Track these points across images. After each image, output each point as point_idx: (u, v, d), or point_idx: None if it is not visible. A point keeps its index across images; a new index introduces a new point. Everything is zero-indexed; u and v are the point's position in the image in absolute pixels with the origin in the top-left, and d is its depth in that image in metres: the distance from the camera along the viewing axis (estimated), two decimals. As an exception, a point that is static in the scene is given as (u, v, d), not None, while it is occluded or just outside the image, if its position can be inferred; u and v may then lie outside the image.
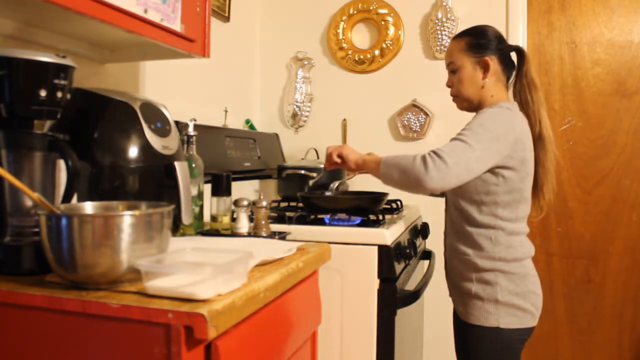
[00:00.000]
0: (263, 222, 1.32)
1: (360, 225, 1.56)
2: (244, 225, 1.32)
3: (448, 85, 1.54)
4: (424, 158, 1.30)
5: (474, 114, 1.54)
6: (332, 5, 2.47)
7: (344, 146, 1.57)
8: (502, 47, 1.47)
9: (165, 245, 0.86)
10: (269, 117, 2.57)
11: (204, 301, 0.75)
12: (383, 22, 2.39)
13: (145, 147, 1.07)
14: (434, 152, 1.30)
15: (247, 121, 2.40)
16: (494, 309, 1.37)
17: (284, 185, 2.11)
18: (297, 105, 2.50)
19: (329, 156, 1.59)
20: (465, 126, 1.38)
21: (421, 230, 2.03)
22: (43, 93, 0.88)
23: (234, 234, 1.32)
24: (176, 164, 1.11)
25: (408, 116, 2.36)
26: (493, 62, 1.45)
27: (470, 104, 1.51)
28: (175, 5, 1.20)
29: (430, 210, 1.95)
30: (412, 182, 1.31)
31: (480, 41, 1.46)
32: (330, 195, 1.94)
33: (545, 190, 1.47)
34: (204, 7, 1.32)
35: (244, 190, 2.19)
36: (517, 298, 1.38)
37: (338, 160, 1.56)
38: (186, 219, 1.13)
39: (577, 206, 2.31)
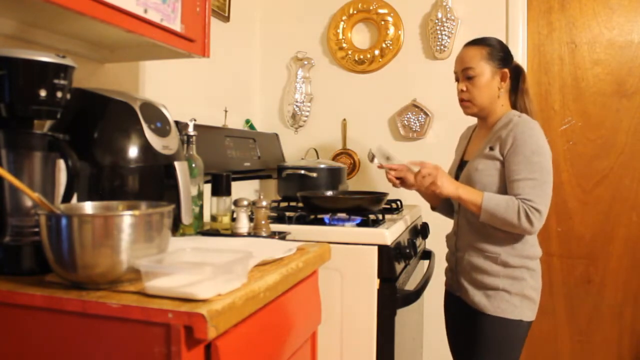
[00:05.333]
0: (263, 222, 1.32)
1: (360, 225, 1.56)
2: (244, 225, 1.32)
3: (461, 90, 1.56)
4: (527, 216, 1.38)
5: (474, 116, 1.60)
6: (332, 5, 2.47)
7: (439, 174, 1.46)
8: (511, 62, 1.56)
9: (165, 245, 0.86)
10: (269, 117, 2.57)
11: (203, 301, 0.75)
12: (383, 22, 2.39)
13: (145, 147, 1.07)
14: (532, 207, 1.38)
15: (247, 121, 2.40)
16: (519, 303, 1.46)
17: (284, 185, 2.10)
18: (297, 105, 2.50)
19: (420, 180, 1.48)
20: (515, 156, 1.42)
21: (421, 230, 2.03)
22: (43, 93, 0.88)
23: (234, 234, 1.32)
24: (176, 164, 1.11)
25: (408, 116, 2.36)
26: (507, 75, 1.54)
27: (481, 111, 1.56)
28: (175, 5, 1.20)
29: (430, 210, 1.95)
30: (518, 232, 1.45)
31: (501, 53, 1.54)
32: (330, 195, 1.94)
33: None
34: (204, 7, 1.32)
35: (244, 190, 2.19)
36: (535, 293, 1.50)
37: (431, 188, 1.47)
38: (186, 219, 1.13)
39: (577, 206, 2.31)
